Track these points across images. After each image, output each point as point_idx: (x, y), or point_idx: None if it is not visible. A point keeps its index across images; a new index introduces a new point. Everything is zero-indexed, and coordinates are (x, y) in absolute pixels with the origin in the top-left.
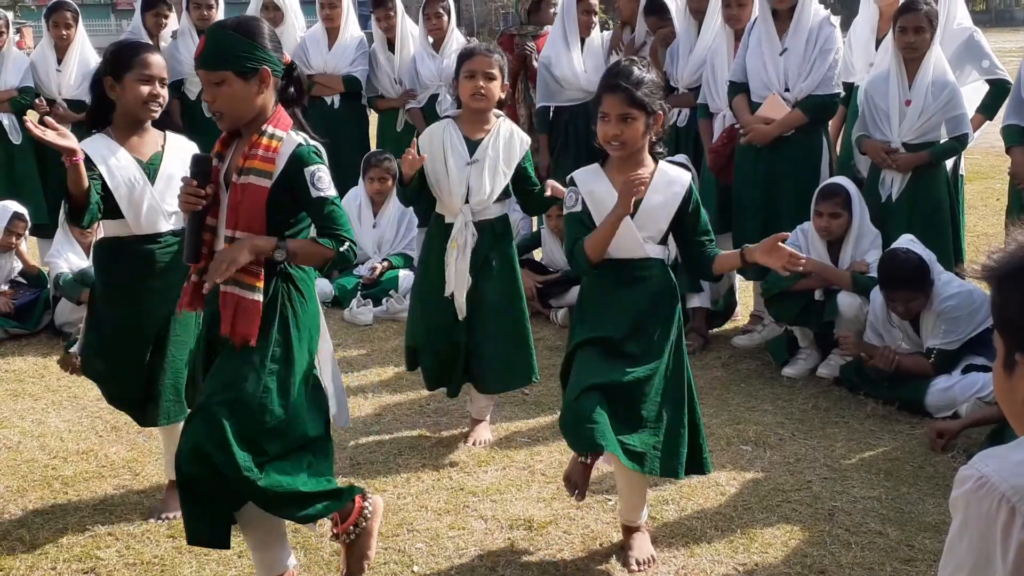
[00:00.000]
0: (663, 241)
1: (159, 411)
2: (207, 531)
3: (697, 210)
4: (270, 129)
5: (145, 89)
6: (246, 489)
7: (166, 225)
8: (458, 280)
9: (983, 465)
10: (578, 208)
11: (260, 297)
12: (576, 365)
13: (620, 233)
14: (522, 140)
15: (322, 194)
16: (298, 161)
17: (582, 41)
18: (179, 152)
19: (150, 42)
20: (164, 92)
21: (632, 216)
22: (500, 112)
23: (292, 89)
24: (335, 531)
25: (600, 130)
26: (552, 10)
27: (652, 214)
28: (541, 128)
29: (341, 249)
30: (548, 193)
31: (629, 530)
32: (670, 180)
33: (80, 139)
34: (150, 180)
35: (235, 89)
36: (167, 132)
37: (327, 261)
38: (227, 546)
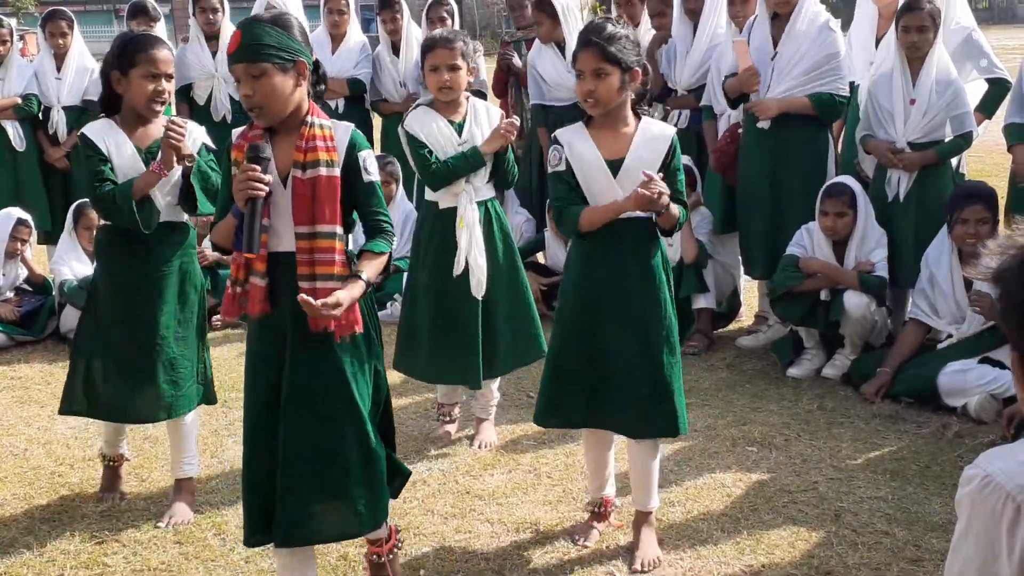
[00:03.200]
0: None
1: (160, 406)
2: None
3: (675, 166)
4: (317, 120)
5: (150, 86)
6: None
7: (160, 215)
8: (476, 258)
9: (988, 464)
10: (562, 167)
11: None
12: (558, 336)
13: (604, 193)
14: (499, 113)
15: (372, 179)
16: (353, 146)
17: (562, 47)
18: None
19: (160, 36)
20: (169, 87)
21: (615, 174)
22: (467, 92)
23: (321, 86)
24: (376, 551)
25: (577, 89)
26: (530, 11)
27: (634, 171)
28: (537, 123)
29: (393, 248)
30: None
31: (639, 520)
32: (653, 136)
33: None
34: (147, 168)
35: (274, 82)
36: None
37: (386, 265)
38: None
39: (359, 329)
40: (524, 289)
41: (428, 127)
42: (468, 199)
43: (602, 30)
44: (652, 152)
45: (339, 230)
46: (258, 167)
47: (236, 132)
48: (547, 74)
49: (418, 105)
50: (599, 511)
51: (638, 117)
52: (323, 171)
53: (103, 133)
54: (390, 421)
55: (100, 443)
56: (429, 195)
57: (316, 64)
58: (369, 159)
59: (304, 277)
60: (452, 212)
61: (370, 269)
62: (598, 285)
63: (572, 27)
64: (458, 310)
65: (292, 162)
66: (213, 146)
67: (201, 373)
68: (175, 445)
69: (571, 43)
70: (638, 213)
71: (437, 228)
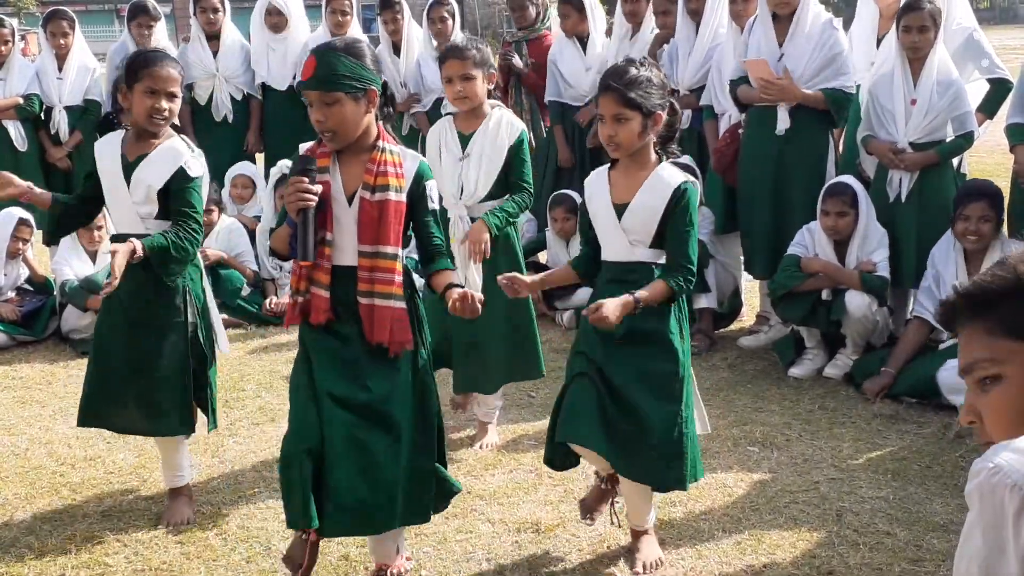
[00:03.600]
0: (656, 244)
1: (151, 423)
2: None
3: (679, 218)
4: (388, 146)
5: (149, 102)
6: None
7: (137, 227)
8: (467, 274)
9: (996, 456)
10: (583, 210)
11: (402, 304)
12: (571, 373)
13: (609, 235)
14: (511, 126)
15: (434, 207)
16: (421, 176)
17: (585, 42)
18: (162, 155)
19: (169, 53)
20: (171, 105)
21: (620, 218)
22: (497, 103)
23: (389, 108)
24: (384, 565)
25: (599, 131)
26: (531, 11)
27: (639, 216)
28: (555, 120)
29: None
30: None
31: (637, 533)
32: (661, 182)
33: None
34: (128, 180)
35: (347, 109)
36: (174, 136)
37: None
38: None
39: (410, 347)
40: (525, 308)
41: (434, 146)
42: (458, 215)
43: (623, 74)
44: (656, 198)
45: (400, 252)
46: (305, 178)
47: (304, 147)
48: (567, 71)
49: (447, 113)
50: (607, 487)
51: (662, 160)
52: (392, 196)
53: (106, 143)
54: (439, 437)
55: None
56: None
57: (384, 86)
58: (433, 189)
59: (363, 293)
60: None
61: (453, 280)
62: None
63: (597, 21)
64: (451, 320)
65: (361, 183)
66: (196, 173)
67: (181, 396)
68: (163, 460)
69: (595, 37)
70: (638, 255)
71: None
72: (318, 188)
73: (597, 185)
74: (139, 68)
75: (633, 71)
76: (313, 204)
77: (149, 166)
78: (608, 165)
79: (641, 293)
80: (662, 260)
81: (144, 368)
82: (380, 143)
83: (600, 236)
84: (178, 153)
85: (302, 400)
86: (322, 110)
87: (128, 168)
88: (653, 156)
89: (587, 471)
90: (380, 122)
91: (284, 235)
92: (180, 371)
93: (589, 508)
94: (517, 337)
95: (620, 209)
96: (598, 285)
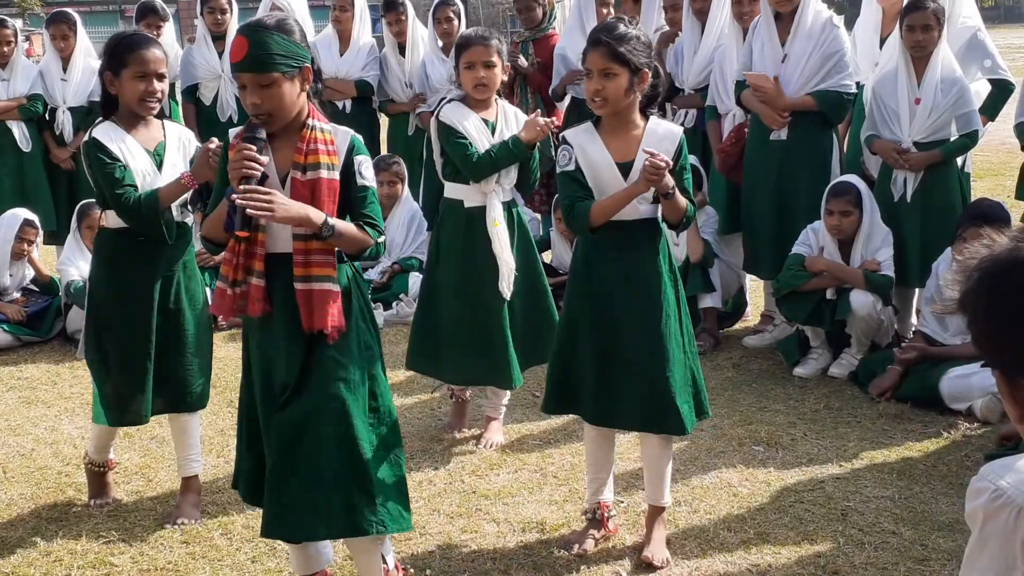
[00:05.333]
0: (655, 200)
1: (170, 401)
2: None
3: (683, 167)
4: (318, 123)
5: (141, 86)
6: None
7: (173, 216)
8: (508, 258)
9: (996, 477)
10: (571, 167)
11: (338, 287)
12: (564, 334)
13: (613, 194)
14: (518, 115)
15: (367, 183)
16: (352, 150)
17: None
18: (177, 140)
19: (150, 35)
20: (162, 86)
21: (626, 177)
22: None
23: (318, 84)
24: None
25: (585, 87)
26: (538, 11)
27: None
28: (557, 100)
29: (379, 240)
30: (533, 118)
31: (652, 516)
32: (660, 137)
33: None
34: (159, 170)
35: (283, 90)
36: (164, 121)
37: (364, 250)
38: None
39: (344, 330)
40: (544, 291)
41: (465, 120)
42: (498, 199)
43: (613, 29)
44: (661, 152)
45: None
46: (254, 147)
47: (233, 132)
48: (576, 60)
49: (450, 100)
50: (596, 517)
51: (646, 118)
52: (324, 174)
53: (113, 137)
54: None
55: (88, 449)
56: (452, 193)
57: (312, 61)
58: (365, 164)
59: (299, 278)
60: (478, 211)
61: (343, 225)
62: (603, 283)
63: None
64: (487, 310)
65: (291, 163)
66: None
67: (208, 372)
68: (181, 442)
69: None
70: (642, 212)
71: (460, 227)
72: (266, 159)
73: (590, 143)
74: (124, 53)
75: (622, 27)
76: (258, 175)
77: (175, 150)
78: (591, 122)
79: (678, 196)
80: (657, 214)
81: (185, 345)
82: (310, 121)
83: (603, 196)
84: (191, 133)
85: (240, 410)
86: (258, 93)
87: (155, 157)
88: (639, 115)
89: (585, 469)
90: (311, 100)
91: (219, 215)
92: (209, 345)
93: (576, 540)
94: (537, 321)
95: (623, 168)
96: (584, 245)
